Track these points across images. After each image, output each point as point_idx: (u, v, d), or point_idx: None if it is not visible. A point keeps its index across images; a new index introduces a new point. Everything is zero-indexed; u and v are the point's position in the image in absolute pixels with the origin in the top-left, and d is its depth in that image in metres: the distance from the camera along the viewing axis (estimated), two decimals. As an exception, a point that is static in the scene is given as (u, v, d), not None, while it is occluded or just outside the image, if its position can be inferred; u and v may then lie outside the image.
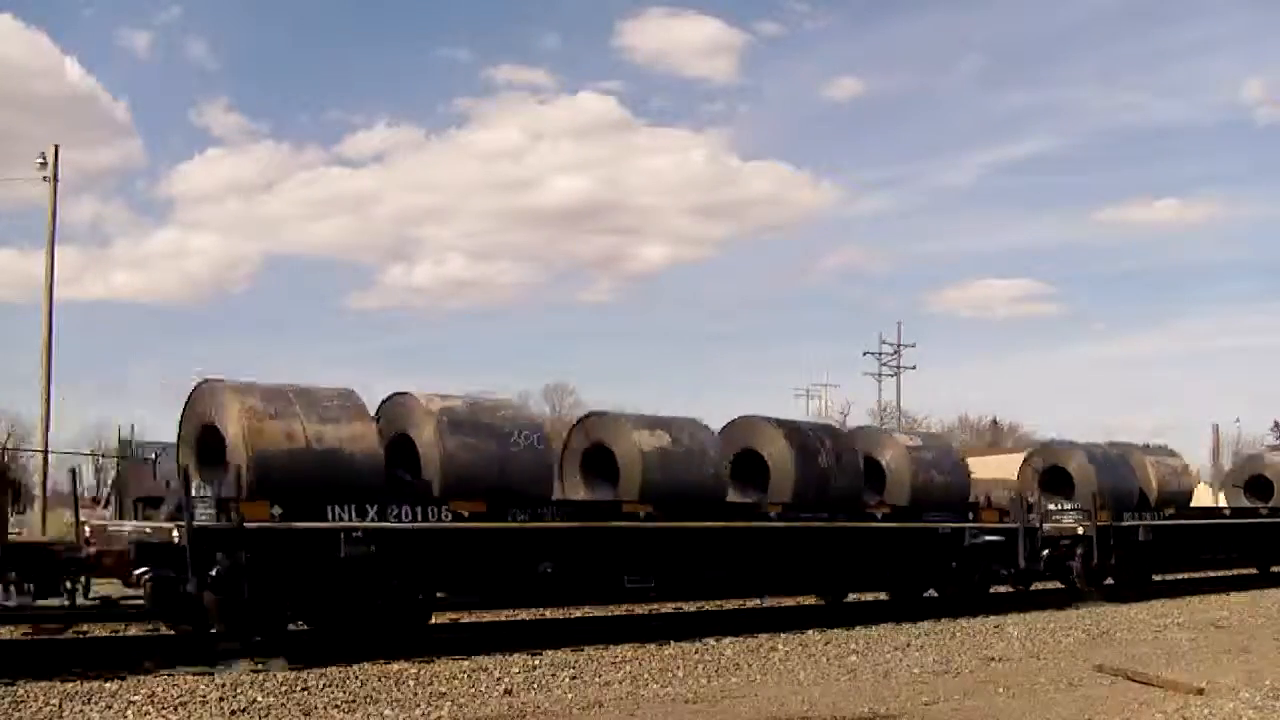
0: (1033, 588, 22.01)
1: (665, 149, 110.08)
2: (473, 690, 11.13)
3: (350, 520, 13.11)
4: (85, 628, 15.21)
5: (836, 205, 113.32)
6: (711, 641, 14.94)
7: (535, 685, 11.51)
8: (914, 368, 71.89)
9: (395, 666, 12.28)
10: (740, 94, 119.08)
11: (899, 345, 70.62)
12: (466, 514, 14.09)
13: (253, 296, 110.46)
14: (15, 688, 10.44)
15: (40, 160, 35.29)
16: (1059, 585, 22.48)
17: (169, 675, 11.24)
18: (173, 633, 13.75)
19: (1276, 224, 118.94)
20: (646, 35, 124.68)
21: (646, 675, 12.24)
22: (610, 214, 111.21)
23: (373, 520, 13.26)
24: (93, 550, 13.22)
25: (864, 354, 71.37)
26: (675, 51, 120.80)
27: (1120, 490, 22.97)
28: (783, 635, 15.56)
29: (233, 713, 9.86)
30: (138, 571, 12.81)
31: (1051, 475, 23.16)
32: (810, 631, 16.06)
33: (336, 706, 10.21)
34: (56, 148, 35.61)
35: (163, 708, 9.92)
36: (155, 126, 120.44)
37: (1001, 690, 11.41)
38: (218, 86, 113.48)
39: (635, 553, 15.72)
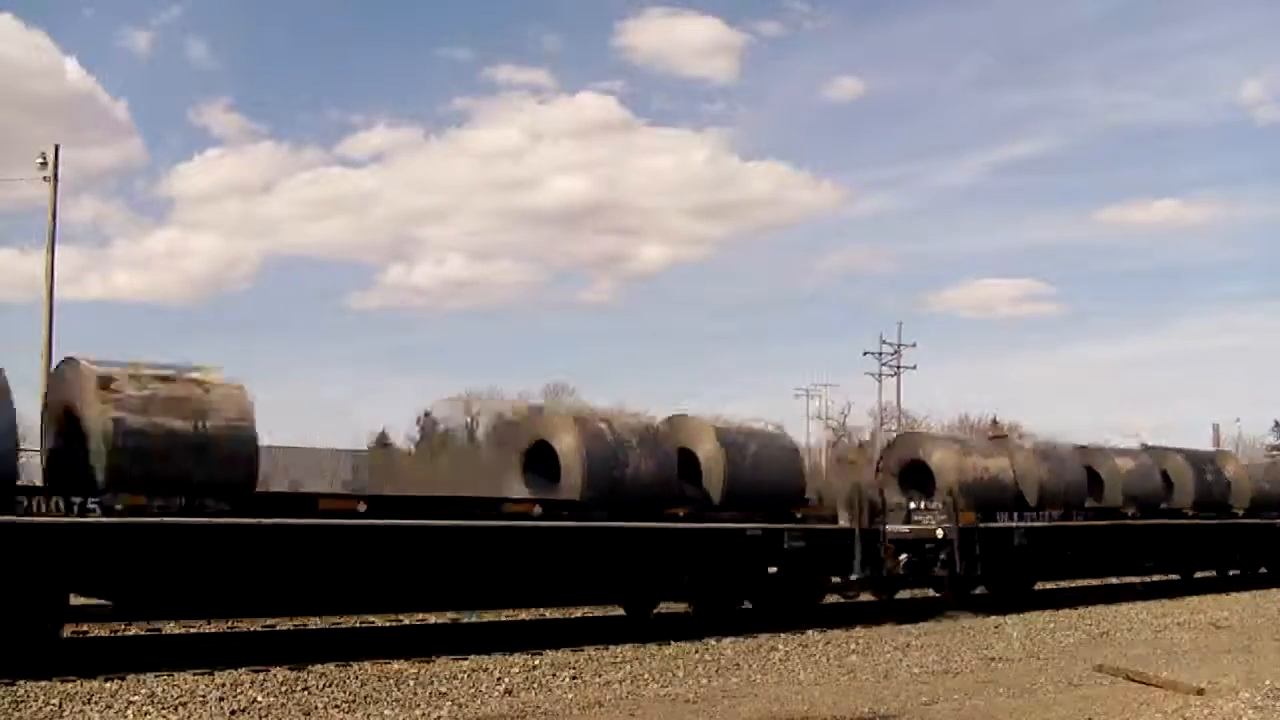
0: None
1: (665, 149, 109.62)
2: (473, 690, 11.13)
3: (1011, 522, 20.44)
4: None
5: (836, 205, 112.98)
6: (711, 641, 14.94)
7: (535, 685, 11.51)
8: (914, 368, 71.72)
9: (395, 666, 12.29)
10: (740, 94, 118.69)
11: (899, 345, 70.48)
12: (1056, 515, 21.48)
13: (253, 296, 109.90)
14: (15, 688, 10.44)
15: (40, 160, 35.20)
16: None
17: (169, 675, 11.24)
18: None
19: (1276, 224, 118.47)
20: (646, 35, 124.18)
21: (646, 675, 12.24)
22: (610, 214, 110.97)
23: (1018, 521, 20.61)
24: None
25: (864, 354, 71.19)
26: (675, 51, 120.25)
27: None
28: (783, 635, 15.56)
29: (233, 713, 9.87)
30: (901, 557, 19.41)
31: None
32: (810, 631, 16.07)
33: (336, 706, 10.21)
34: (57, 148, 35.50)
35: (163, 708, 9.92)
36: (155, 126, 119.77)
37: (1001, 690, 11.41)
38: (218, 86, 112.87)
39: (1128, 542, 23.15)
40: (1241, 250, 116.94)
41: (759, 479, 17.36)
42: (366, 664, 12.28)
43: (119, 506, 11.97)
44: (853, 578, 18.66)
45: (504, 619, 17.97)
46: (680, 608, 17.82)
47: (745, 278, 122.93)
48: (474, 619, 17.67)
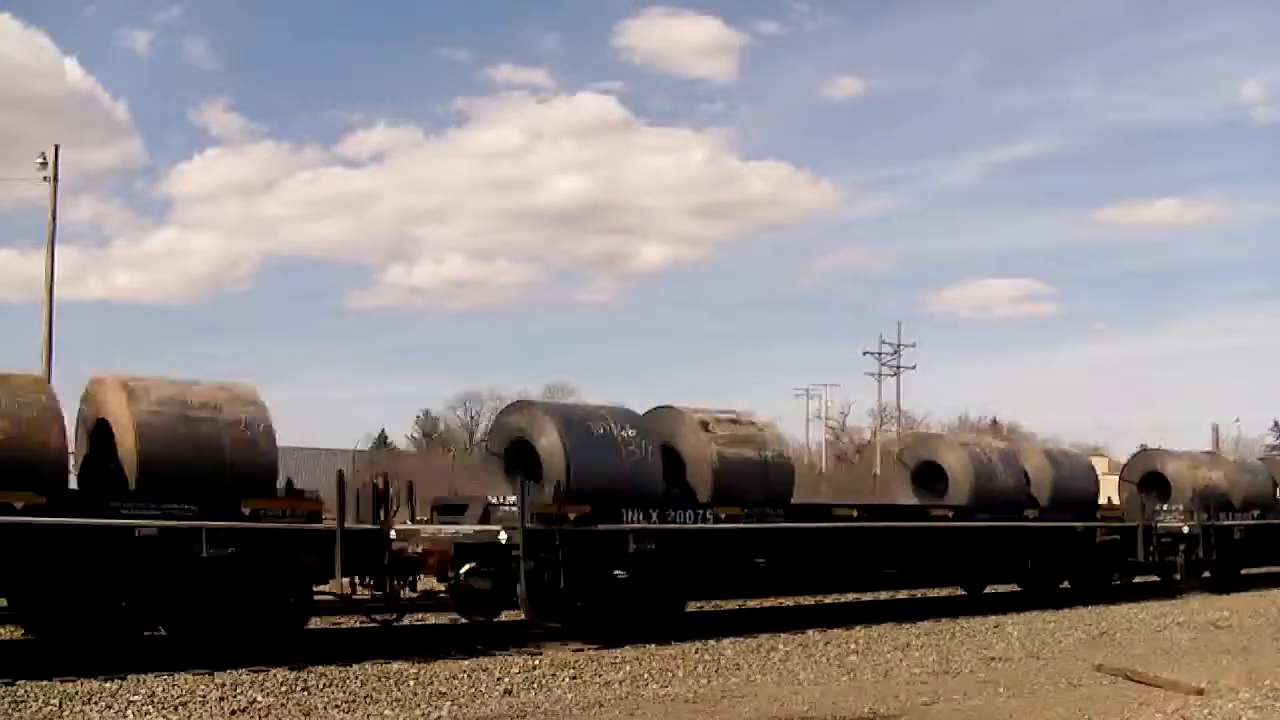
0: None
1: (665, 149, 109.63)
2: (473, 690, 11.13)
3: (1232, 520, 24.88)
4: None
5: (836, 205, 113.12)
6: (711, 641, 14.93)
7: (535, 685, 11.51)
8: (914, 368, 71.84)
9: (395, 666, 12.29)
10: (740, 94, 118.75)
11: (899, 345, 70.62)
12: (1255, 515, 25.69)
13: (253, 296, 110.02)
14: (15, 688, 10.44)
15: (40, 160, 35.23)
16: None
17: (169, 675, 11.24)
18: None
19: (1276, 224, 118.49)
20: (646, 35, 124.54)
21: (646, 675, 12.24)
22: (610, 214, 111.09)
23: (1236, 520, 25.02)
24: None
25: (864, 354, 71.38)
26: (675, 51, 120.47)
27: None
28: (783, 635, 15.56)
29: (233, 713, 9.87)
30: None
31: None
32: (810, 631, 16.06)
33: (336, 706, 10.22)
34: (56, 148, 35.57)
35: (163, 708, 9.93)
36: (155, 126, 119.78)
37: (1001, 690, 11.42)
38: (218, 86, 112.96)
39: None
40: (1241, 250, 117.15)
41: (1073, 487, 22.65)
42: (366, 664, 12.28)
43: (722, 515, 16.24)
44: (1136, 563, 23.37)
45: (502, 619, 17.92)
46: (994, 588, 22.16)
47: (745, 278, 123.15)
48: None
